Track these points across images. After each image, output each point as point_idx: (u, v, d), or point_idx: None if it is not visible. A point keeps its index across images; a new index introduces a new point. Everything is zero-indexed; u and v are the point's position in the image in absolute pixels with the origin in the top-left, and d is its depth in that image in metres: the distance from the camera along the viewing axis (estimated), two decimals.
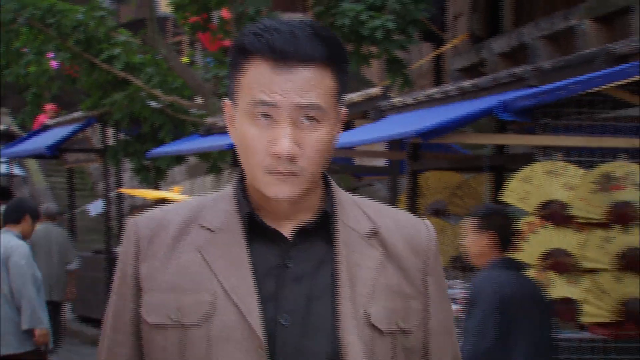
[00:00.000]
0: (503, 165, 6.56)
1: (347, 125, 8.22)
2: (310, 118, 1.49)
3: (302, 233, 1.55)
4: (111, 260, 11.44)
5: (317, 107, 1.49)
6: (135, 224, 1.60)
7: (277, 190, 1.50)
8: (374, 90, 7.61)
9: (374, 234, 1.58)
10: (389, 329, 1.53)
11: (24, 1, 10.93)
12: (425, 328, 1.59)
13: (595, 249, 5.16)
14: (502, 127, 6.52)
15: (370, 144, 7.13)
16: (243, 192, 1.58)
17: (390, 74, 10.67)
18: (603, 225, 5.14)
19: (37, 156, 14.09)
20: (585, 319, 5.18)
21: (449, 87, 6.31)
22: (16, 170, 17.58)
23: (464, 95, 5.98)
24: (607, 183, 5.15)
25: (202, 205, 1.59)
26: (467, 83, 6.00)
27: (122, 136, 12.63)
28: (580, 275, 5.15)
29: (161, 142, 11.60)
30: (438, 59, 14.19)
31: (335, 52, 1.51)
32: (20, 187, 17.85)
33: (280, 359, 1.49)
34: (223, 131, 8.76)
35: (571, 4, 10.42)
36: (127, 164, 13.82)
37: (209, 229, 1.55)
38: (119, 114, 11.53)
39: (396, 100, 6.71)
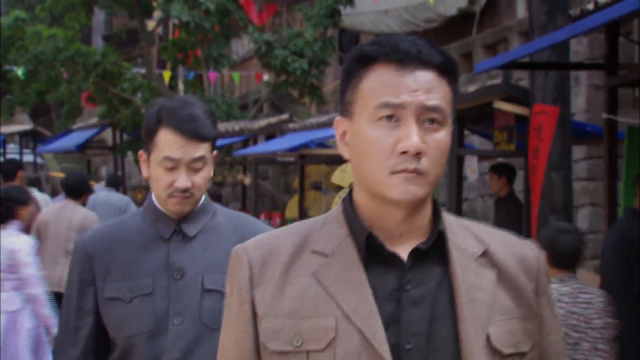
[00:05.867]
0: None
1: (270, 137, 13.36)
2: (432, 120, 1.46)
3: (417, 255, 1.50)
4: None
5: (440, 109, 1.46)
6: (245, 249, 1.55)
7: (403, 190, 1.44)
8: (284, 116, 12.71)
9: (485, 254, 1.54)
10: (509, 352, 1.48)
11: (59, 47, 15.83)
12: (539, 350, 1.55)
13: None
14: None
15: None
16: (354, 213, 1.53)
17: (309, 95, 15.82)
18: None
19: (67, 152, 19.17)
20: None
21: (320, 119, 11.45)
22: (39, 160, 22.84)
23: (324, 126, 11.14)
24: None
25: (311, 229, 1.55)
26: (322, 119, 11.21)
27: (126, 137, 17.51)
28: None
29: None
30: None
31: (450, 63, 1.49)
32: (39, 172, 23.02)
33: None
34: None
35: None
36: (130, 157, 18.34)
37: (322, 254, 1.50)
38: (125, 122, 16.60)
39: (290, 125, 11.85)
